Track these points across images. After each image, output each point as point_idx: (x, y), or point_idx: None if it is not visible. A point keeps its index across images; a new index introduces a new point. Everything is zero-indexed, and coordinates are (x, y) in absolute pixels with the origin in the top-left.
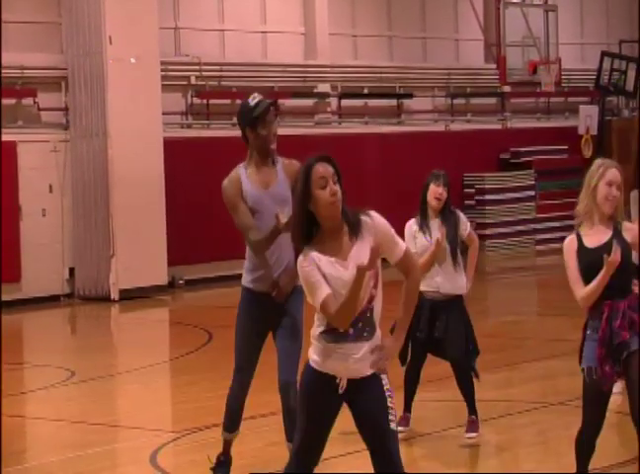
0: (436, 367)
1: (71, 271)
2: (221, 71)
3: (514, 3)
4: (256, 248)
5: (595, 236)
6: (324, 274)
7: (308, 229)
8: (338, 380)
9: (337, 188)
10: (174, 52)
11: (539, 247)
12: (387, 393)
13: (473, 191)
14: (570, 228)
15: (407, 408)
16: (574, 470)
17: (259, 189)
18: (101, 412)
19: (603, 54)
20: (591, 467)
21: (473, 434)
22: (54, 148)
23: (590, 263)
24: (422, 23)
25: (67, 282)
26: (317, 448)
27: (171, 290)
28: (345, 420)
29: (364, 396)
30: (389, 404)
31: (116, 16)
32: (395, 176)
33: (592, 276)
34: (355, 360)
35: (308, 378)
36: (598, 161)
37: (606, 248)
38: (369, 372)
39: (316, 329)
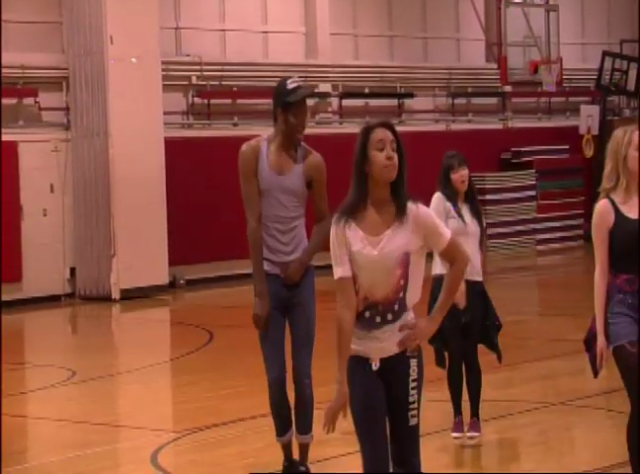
0: (436, 367)
1: (72, 270)
2: (222, 71)
3: (515, 3)
4: (248, 235)
5: (634, 207)
6: (350, 248)
7: (361, 192)
8: (370, 361)
9: (394, 153)
10: (175, 52)
11: (540, 247)
12: (412, 384)
13: None
14: (570, 228)
15: (457, 411)
16: (575, 470)
17: (272, 173)
18: (102, 412)
19: (605, 54)
20: (591, 467)
21: (475, 434)
22: (55, 148)
23: (630, 233)
24: (423, 22)
25: (68, 282)
26: (382, 438)
27: (172, 290)
28: (345, 420)
29: (392, 381)
30: (411, 398)
31: (116, 16)
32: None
33: (628, 248)
34: (382, 340)
35: (350, 367)
36: (618, 130)
37: None
38: (398, 350)
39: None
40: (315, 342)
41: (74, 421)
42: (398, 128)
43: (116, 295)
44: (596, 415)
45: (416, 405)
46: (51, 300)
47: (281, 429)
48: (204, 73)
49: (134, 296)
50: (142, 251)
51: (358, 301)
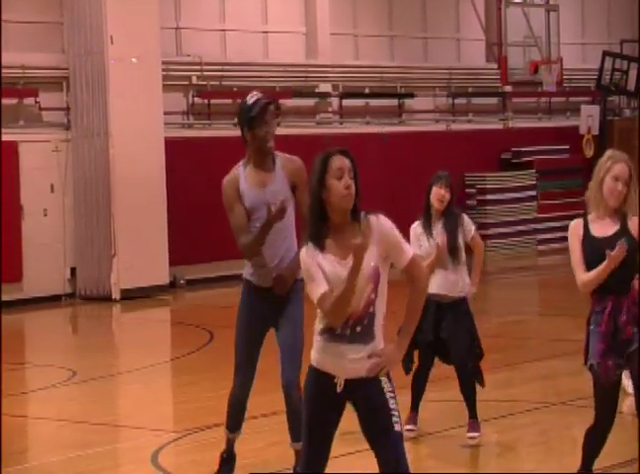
0: (436, 368)
1: (72, 270)
2: (222, 71)
3: (515, 3)
4: (245, 251)
5: (601, 226)
6: (324, 271)
7: (321, 218)
8: (335, 380)
9: (351, 182)
10: (175, 52)
11: (540, 247)
12: (388, 395)
13: (474, 190)
14: None
15: (414, 407)
16: (575, 470)
17: (255, 189)
18: (102, 412)
19: (605, 54)
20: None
21: (475, 434)
22: (56, 148)
23: (594, 252)
24: (423, 22)
25: (69, 282)
26: (323, 451)
27: (172, 290)
28: (345, 420)
29: (364, 396)
30: (391, 405)
31: (117, 16)
32: (396, 176)
33: (594, 266)
34: (350, 361)
35: (310, 378)
36: (608, 153)
37: (612, 240)
38: (366, 375)
39: (317, 325)
40: (304, 349)
41: (74, 421)
42: (398, 128)
43: (116, 295)
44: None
45: (397, 413)
46: (52, 300)
47: (236, 424)
48: (205, 73)
49: (135, 296)
50: (143, 251)
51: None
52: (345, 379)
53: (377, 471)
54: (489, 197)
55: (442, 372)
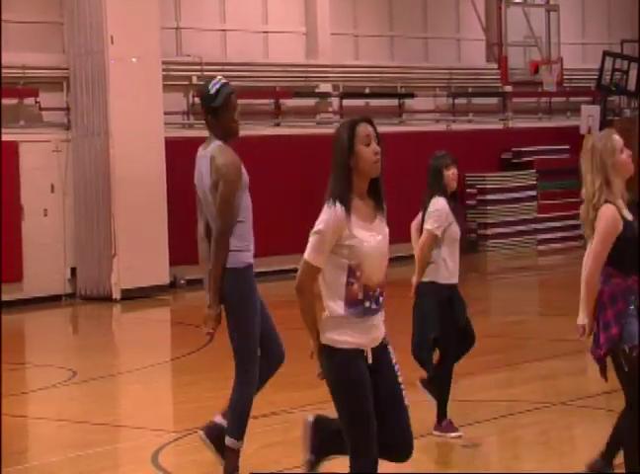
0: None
1: (73, 270)
2: (223, 71)
3: (515, 3)
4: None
5: (623, 209)
6: (354, 235)
7: (348, 183)
8: (365, 352)
9: (379, 148)
10: (175, 52)
11: (540, 247)
12: (397, 367)
13: (474, 190)
14: (571, 228)
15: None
16: (575, 470)
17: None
18: (102, 412)
19: (605, 54)
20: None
21: (454, 434)
22: (56, 148)
23: (633, 236)
24: (423, 22)
25: (69, 282)
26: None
27: (172, 290)
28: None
29: (386, 361)
30: (400, 379)
31: (117, 16)
32: (396, 176)
33: (632, 249)
34: (376, 329)
35: (341, 361)
36: (596, 136)
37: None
38: (376, 344)
39: (335, 310)
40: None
41: (74, 421)
42: (398, 129)
43: (116, 295)
44: (596, 415)
45: (404, 386)
46: (52, 300)
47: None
48: (205, 73)
49: (135, 296)
50: (143, 251)
51: (354, 291)
52: (371, 349)
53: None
54: (489, 197)
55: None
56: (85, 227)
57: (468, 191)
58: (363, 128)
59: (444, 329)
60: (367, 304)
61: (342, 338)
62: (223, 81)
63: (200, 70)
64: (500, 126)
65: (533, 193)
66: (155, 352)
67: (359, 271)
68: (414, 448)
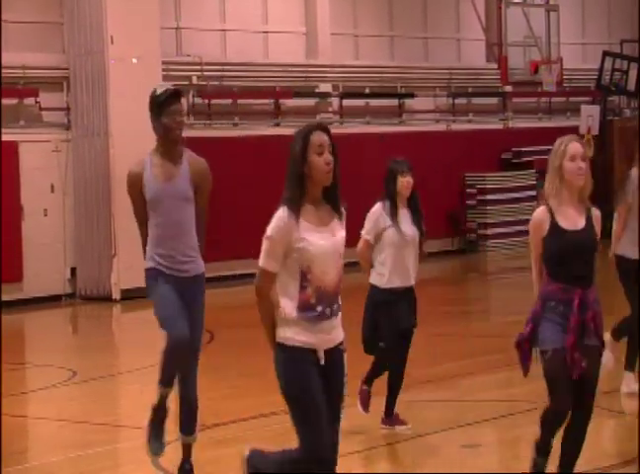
0: (436, 368)
1: (73, 270)
2: (223, 71)
3: (515, 3)
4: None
5: (568, 218)
6: (304, 238)
7: (300, 189)
8: (318, 353)
9: (331, 158)
10: (175, 52)
11: None
12: (345, 378)
13: (474, 190)
14: None
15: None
16: (575, 470)
17: (159, 182)
18: (102, 412)
19: (605, 54)
20: (591, 467)
21: (404, 427)
22: (56, 148)
23: (566, 246)
24: (423, 22)
25: (69, 282)
26: (327, 424)
27: None
28: (345, 419)
29: (331, 373)
30: (344, 391)
31: (117, 16)
32: None
33: (566, 259)
34: (330, 331)
35: (296, 358)
36: (558, 140)
37: (584, 234)
38: (331, 346)
39: (288, 313)
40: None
41: (74, 421)
42: (399, 128)
43: (116, 295)
44: (596, 415)
45: (344, 399)
46: (52, 300)
47: (170, 381)
48: (205, 73)
49: (135, 296)
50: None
51: (307, 295)
52: (323, 351)
53: (376, 471)
54: (489, 196)
55: (441, 372)
56: (85, 227)
57: (468, 191)
58: (317, 137)
59: (379, 330)
60: (320, 308)
61: (293, 336)
62: (166, 87)
63: (200, 70)
64: (500, 126)
65: (533, 193)
66: (155, 352)
67: (310, 274)
68: (336, 465)
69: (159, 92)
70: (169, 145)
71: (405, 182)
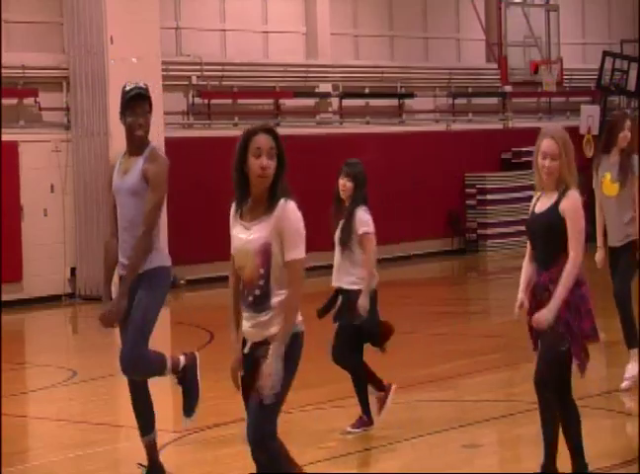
0: (436, 368)
1: (73, 270)
2: (223, 71)
3: (515, 3)
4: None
5: (542, 203)
6: (232, 233)
7: (243, 187)
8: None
9: (269, 163)
10: (175, 52)
11: None
12: (271, 368)
13: (474, 190)
14: None
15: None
16: (575, 470)
17: (118, 176)
18: (102, 412)
19: (605, 54)
20: (591, 467)
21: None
22: (56, 148)
23: (526, 228)
24: (423, 23)
25: (69, 282)
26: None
27: (172, 290)
28: (345, 419)
29: (257, 361)
30: (262, 382)
31: (117, 16)
32: (396, 176)
33: (531, 242)
34: (251, 325)
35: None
36: (541, 130)
37: (540, 217)
38: (259, 340)
39: None
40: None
41: (75, 420)
42: (399, 128)
43: (116, 295)
44: (596, 415)
45: (276, 383)
46: (52, 300)
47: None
48: (205, 73)
49: None
50: None
51: (242, 285)
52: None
53: (376, 471)
54: (489, 196)
55: (441, 372)
56: (85, 227)
57: (468, 190)
58: (258, 140)
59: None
60: (245, 293)
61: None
62: (135, 85)
63: (200, 70)
64: (500, 126)
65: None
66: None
67: (235, 265)
68: (260, 448)
69: (127, 88)
70: (131, 144)
71: (341, 183)
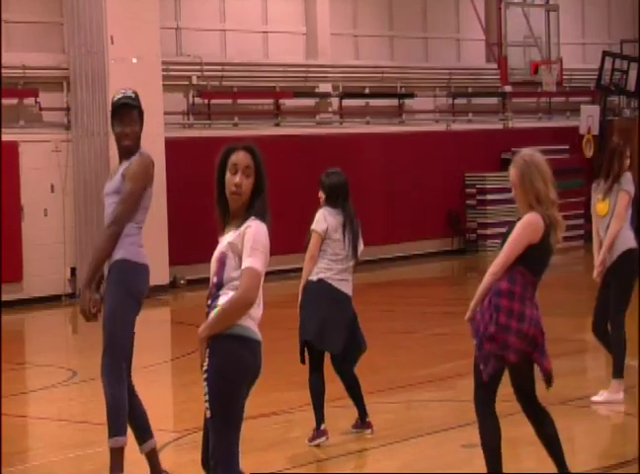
0: (436, 368)
1: (73, 270)
2: (223, 71)
3: (515, 3)
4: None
5: None
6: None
7: (224, 203)
8: None
9: (242, 180)
10: (175, 52)
11: None
12: (204, 375)
13: (474, 190)
14: (571, 228)
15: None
16: (575, 470)
17: (107, 182)
18: (102, 412)
19: (605, 54)
20: (591, 467)
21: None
22: (56, 148)
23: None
24: (423, 23)
25: (69, 282)
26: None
27: (172, 290)
28: (346, 419)
29: None
30: (204, 390)
31: (117, 16)
32: (396, 176)
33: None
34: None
35: None
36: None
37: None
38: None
39: None
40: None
41: (74, 421)
42: (399, 128)
43: None
44: (596, 415)
45: (207, 397)
46: (52, 300)
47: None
48: (205, 73)
49: None
50: None
51: None
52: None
53: (376, 471)
54: (489, 197)
55: (441, 372)
56: (85, 227)
57: (468, 190)
58: (234, 157)
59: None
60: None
61: None
62: (123, 94)
63: (200, 70)
64: (500, 126)
65: None
66: (155, 351)
67: None
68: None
69: (115, 98)
70: (119, 151)
71: (320, 195)
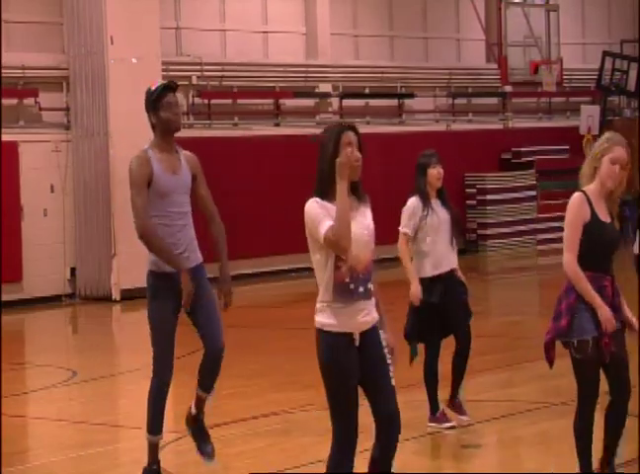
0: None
1: (72, 270)
2: (223, 71)
3: (515, 3)
4: (146, 232)
5: (602, 210)
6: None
7: (331, 181)
8: (354, 335)
9: (359, 155)
10: (175, 52)
11: (540, 247)
12: (385, 350)
13: (474, 190)
14: None
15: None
16: (575, 470)
17: (169, 174)
18: (102, 412)
19: (605, 54)
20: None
21: (447, 424)
22: (56, 148)
23: (604, 237)
24: (423, 23)
25: (69, 282)
26: (356, 412)
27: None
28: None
29: (370, 348)
30: (388, 360)
31: (117, 16)
32: (396, 176)
33: (599, 250)
34: (364, 315)
35: (331, 342)
36: (607, 134)
37: (611, 229)
38: (374, 323)
39: (324, 298)
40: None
41: (74, 421)
42: (399, 128)
43: (116, 295)
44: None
45: (392, 368)
46: (52, 300)
47: (159, 427)
48: (205, 73)
49: (135, 296)
50: (143, 251)
51: (342, 273)
52: (358, 333)
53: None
54: (489, 196)
55: (442, 372)
56: (85, 227)
57: (468, 191)
58: (347, 135)
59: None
60: (353, 287)
61: (327, 321)
62: (164, 82)
63: (200, 70)
64: (500, 126)
65: (533, 193)
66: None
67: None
68: (400, 425)
69: (154, 88)
70: (169, 138)
71: (435, 172)
